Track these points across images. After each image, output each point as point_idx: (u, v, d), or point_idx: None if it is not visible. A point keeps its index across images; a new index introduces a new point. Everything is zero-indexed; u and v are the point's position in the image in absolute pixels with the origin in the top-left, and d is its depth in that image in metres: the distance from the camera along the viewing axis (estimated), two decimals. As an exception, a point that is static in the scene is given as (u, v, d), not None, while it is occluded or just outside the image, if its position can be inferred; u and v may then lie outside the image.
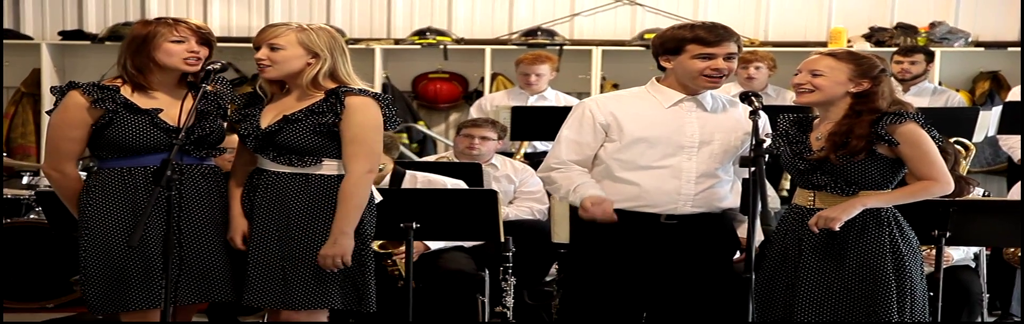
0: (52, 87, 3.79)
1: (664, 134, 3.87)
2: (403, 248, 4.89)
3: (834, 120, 3.80)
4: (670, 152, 3.87)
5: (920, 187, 3.76)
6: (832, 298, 3.76)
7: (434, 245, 5.18)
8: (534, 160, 6.58)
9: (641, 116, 3.90)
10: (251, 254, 3.74)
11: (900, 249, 3.77)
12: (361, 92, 3.72)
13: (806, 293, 3.77)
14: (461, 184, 5.25)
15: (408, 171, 5.22)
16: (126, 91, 3.73)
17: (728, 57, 3.82)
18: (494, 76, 8.46)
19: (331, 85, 3.74)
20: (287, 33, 3.71)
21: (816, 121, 3.89)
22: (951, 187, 3.77)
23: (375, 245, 4.86)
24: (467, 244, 5.28)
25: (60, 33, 8.61)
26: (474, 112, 7.56)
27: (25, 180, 6.60)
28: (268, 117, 3.76)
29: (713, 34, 3.81)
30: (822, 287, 3.77)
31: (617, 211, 3.86)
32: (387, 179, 5.11)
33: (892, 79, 3.83)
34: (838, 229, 3.69)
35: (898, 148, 3.72)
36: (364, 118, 3.69)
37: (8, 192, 6.38)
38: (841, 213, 3.69)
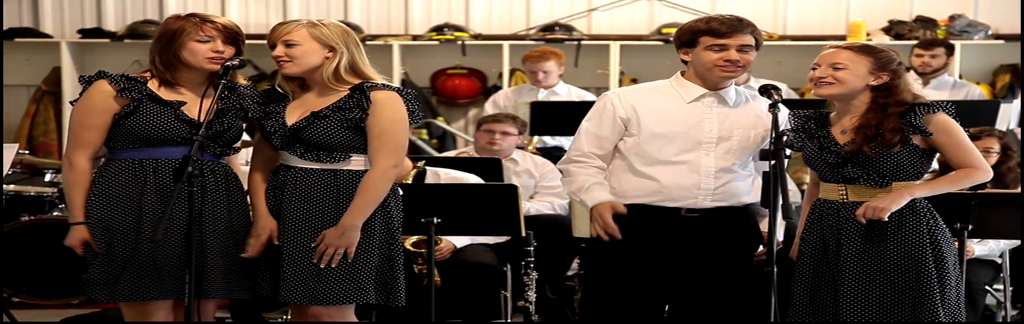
0: (81, 76, 3.80)
1: (682, 130, 3.87)
2: (435, 248, 4.92)
3: (857, 114, 3.79)
4: (688, 147, 3.87)
5: (962, 175, 3.77)
6: (876, 290, 3.75)
7: (459, 243, 5.19)
8: (548, 155, 6.58)
9: (661, 111, 3.90)
10: (285, 250, 3.74)
11: (937, 238, 3.78)
12: (384, 86, 3.73)
13: (850, 286, 3.76)
14: (481, 181, 5.26)
15: (429, 168, 5.23)
16: (153, 85, 3.75)
17: (742, 49, 3.81)
18: (512, 71, 8.46)
19: (353, 79, 3.75)
20: (299, 29, 3.72)
21: (832, 115, 3.88)
22: (990, 173, 3.79)
23: (407, 244, 4.88)
24: (491, 241, 5.29)
25: (79, 31, 8.64)
26: (489, 108, 7.56)
27: (48, 177, 6.65)
28: (294, 114, 3.76)
29: (726, 25, 3.81)
30: (866, 279, 3.76)
31: (638, 206, 3.88)
32: (411, 178, 5.11)
33: (909, 72, 3.83)
34: (887, 219, 3.69)
35: (932, 138, 3.73)
36: (391, 113, 3.71)
37: (31, 189, 6.42)
38: (890, 203, 3.69)
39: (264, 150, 3.86)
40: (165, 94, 3.74)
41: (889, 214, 3.69)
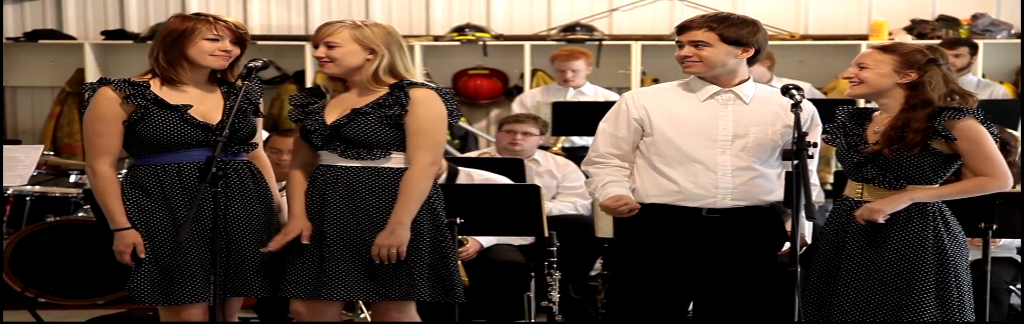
0: (83, 84, 3.82)
1: (695, 128, 3.89)
2: (462, 248, 4.93)
3: (892, 113, 3.78)
4: (704, 146, 3.88)
5: (975, 184, 3.73)
6: (867, 291, 3.73)
7: (486, 243, 5.21)
8: (574, 155, 6.60)
9: (674, 110, 3.92)
10: (331, 250, 3.76)
11: (944, 244, 3.73)
12: (423, 85, 3.78)
13: (844, 285, 3.76)
14: (511, 182, 5.28)
15: (462, 169, 5.25)
16: (156, 86, 3.76)
17: (696, 44, 3.85)
18: (534, 72, 8.47)
19: (391, 80, 3.79)
20: (341, 30, 3.76)
21: (876, 113, 3.87)
22: (1009, 184, 3.74)
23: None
24: (516, 242, 5.30)
25: (103, 33, 8.69)
26: (516, 108, 7.58)
27: (73, 178, 6.69)
28: (333, 113, 3.80)
29: (683, 23, 3.91)
30: (860, 279, 3.75)
31: (659, 206, 3.89)
32: (443, 176, 5.13)
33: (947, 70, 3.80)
34: (882, 221, 3.68)
35: (955, 143, 3.69)
36: (428, 111, 3.75)
37: (56, 190, 6.47)
38: (886, 206, 3.68)
39: (303, 152, 3.89)
40: (169, 96, 3.75)
41: (885, 216, 3.67)
